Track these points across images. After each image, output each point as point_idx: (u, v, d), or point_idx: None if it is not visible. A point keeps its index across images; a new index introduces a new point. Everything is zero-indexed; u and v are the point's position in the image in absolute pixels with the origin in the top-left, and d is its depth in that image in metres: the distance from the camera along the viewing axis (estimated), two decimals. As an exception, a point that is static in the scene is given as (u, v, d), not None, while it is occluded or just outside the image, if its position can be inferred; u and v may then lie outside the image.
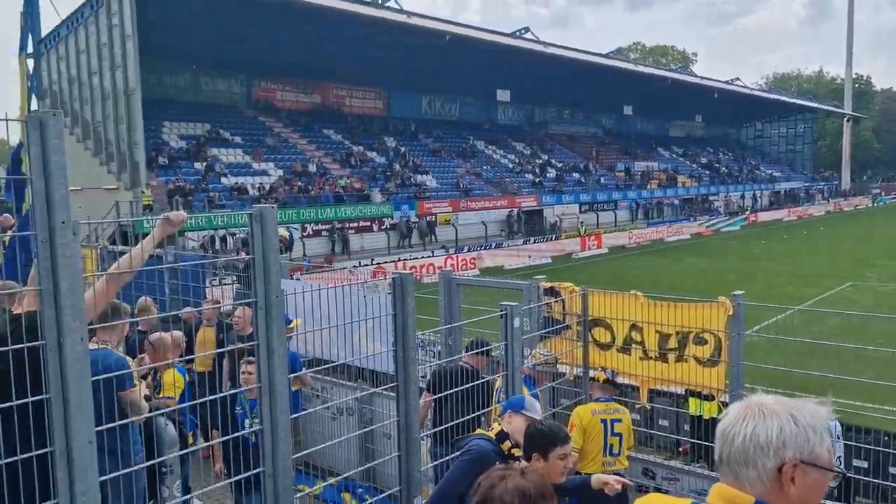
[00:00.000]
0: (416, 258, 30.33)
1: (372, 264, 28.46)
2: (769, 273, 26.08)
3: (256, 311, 3.37)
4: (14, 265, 6.89)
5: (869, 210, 65.35)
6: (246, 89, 39.47)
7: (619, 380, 5.66)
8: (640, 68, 55.21)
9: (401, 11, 36.78)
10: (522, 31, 45.33)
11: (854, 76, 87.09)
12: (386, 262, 28.65)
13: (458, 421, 4.50)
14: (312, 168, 35.56)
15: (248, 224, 3.34)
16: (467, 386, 4.62)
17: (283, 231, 10.58)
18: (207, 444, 4.38)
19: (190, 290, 8.53)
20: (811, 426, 1.57)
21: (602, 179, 50.27)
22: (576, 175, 49.19)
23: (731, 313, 5.16)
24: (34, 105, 33.59)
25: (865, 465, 6.44)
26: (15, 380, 2.55)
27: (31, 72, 32.73)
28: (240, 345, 6.38)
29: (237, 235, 27.39)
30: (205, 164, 31.90)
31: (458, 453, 3.64)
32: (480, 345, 5.74)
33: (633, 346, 5.68)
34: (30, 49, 33.06)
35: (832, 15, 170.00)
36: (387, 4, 36.72)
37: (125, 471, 3.01)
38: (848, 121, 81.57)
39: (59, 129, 2.56)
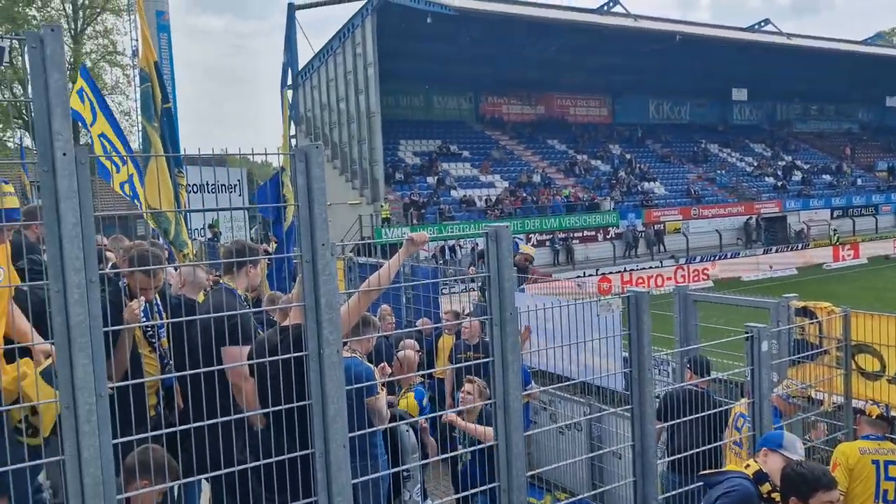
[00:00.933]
0: (644, 269, 29.28)
1: (597, 274, 27.99)
2: None
3: (491, 326, 3.44)
4: (278, 277, 7.77)
5: None
6: (474, 105, 40.98)
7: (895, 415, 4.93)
8: (908, 53, 48.29)
9: (627, 16, 35.91)
10: (761, 24, 41.95)
11: None
12: (611, 273, 28.00)
13: (696, 450, 4.22)
14: (537, 178, 35.91)
15: (482, 238, 3.43)
16: (703, 414, 4.32)
17: (528, 249, 10.72)
18: (438, 457, 4.54)
19: (422, 300, 9.00)
20: None
21: (859, 181, 44.71)
22: (826, 177, 44.30)
23: None
24: (292, 131, 37.87)
25: None
26: (283, 386, 2.85)
27: (290, 102, 36.84)
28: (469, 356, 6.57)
29: (466, 246, 28.43)
30: (436, 178, 33.64)
31: (719, 493, 3.35)
32: (704, 365, 5.32)
33: (910, 376, 4.93)
34: (289, 82, 37.48)
35: None
36: (612, 10, 36.05)
37: (374, 475, 3.22)
38: None
39: (320, 160, 2.83)
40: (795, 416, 5.18)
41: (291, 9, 35.86)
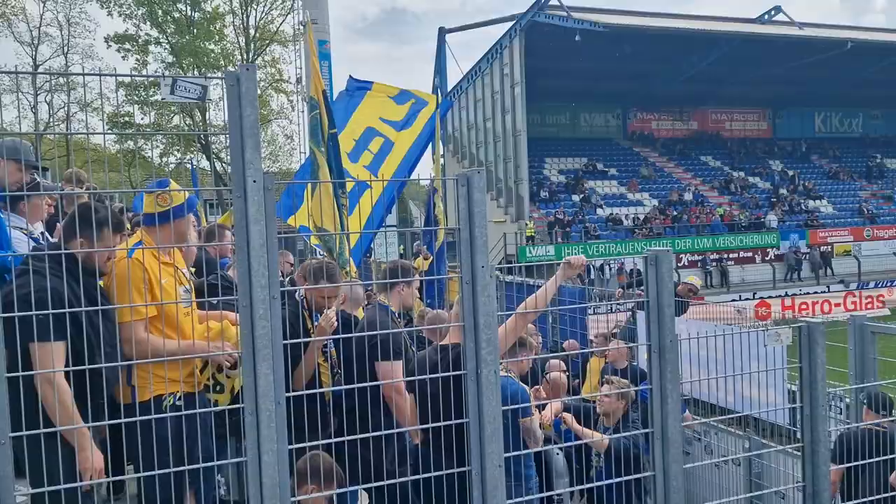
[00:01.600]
0: (808, 293, 27.21)
1: (753, 298, 26.34)
2: None
3: (650, 353, 3.36)
4: (429, 294, 7.99)
5: None
6: (621, 121, 40.11)
7: None
8: None
9: (791, 24, 33.79)
10: (950, 26, 37.89)
11: None
12: (770, 298, 26.25)
13: (877, 497, 3.86)
14: (688, 196, 34.48)
15: (642, 264, 3.37)
16: (887, 458, 3.94)
17: (693, 279, 10.32)
18: (584, 485, 4.43)
19: (568, 320, 8.87)
20: None
21: None
22: None
23: None
24: (440, 150, 38.86)
25: None
26: (442, 404, 2.94)
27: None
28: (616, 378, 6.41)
29: (614, 266, 27.76)
30: (582, 196, 33.19)
31: None
32: (885, 402, 4.82)
33: None
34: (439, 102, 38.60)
35: None
36: (774, 19, 34.07)
37: (527, 497, 3.23)
38: None
39: (482, 184, 2.91)
40: None
41: (442, 32, 36.96)
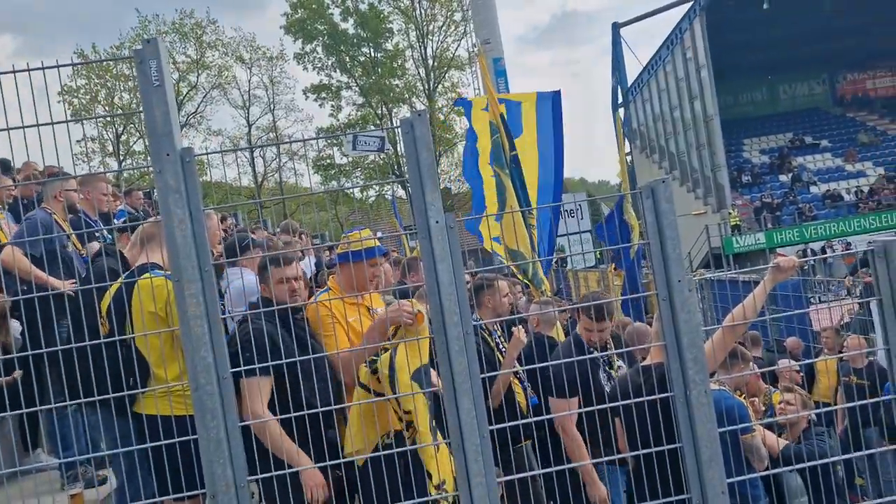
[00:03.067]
0: None
1: None
2: None
3: (889, 358, 2.95)
4: (629, 307, 7.72)
5: None
6: (829, 87, 36.31)
7: None
8: None
9: None
10: None
11: None
12: None
13: None
14: (922, 159, 30.33)
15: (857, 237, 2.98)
16: None
17: None
18: None
19: (788, 316, 8.08)
20: None
21: None
22: None
23: None
24: (627, 148, 37.76)
25: None
26: (651, 428, 2.79)
27: (623, 119, 36.90)
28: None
29: (837, 247, 25.07)
30: (790, 175, 30.43)
31: None
32: None
33: None
34: (620, 100, 37.54)
35: None
36: None
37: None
38: None
39: (668, 194, 2.75)
40: None
41: (615, 27, 35.97)
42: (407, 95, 37.18)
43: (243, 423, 2.64)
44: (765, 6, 26.74)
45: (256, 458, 2.64)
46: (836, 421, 6.39)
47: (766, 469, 3.50)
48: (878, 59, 34.90)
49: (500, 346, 4.37)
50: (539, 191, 7.74)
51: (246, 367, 2.77)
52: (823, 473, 3.56)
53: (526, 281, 5.67)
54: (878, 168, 30.17)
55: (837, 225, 26.21)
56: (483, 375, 2.73)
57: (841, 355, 6.35)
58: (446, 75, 37.78)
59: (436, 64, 37.27)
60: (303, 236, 7.47)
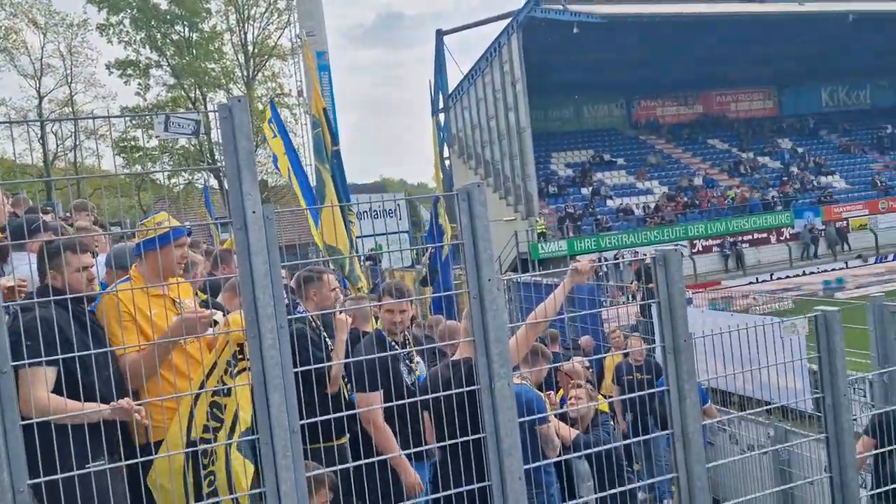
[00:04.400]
0: (824, 271, 26.93)
1: (771, 280, 26.14)
2: None
3: (665, 354, 3.32)
4: (441, 305, 7.98)
5: None
6: (626, 111, 39.94)
7: None
8: None
9: (790, 0, 33.47)
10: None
11: None
12: (788, 278, 26.04)
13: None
14: (698, 181, 34.26)
15: (650, 260, 3.33)
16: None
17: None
18: (616, 490, 4.39)
19: (586, 316, 8.81)
20: None
21: None
22: None
23: None
24: (445, 153, 38.85)
25: None
26: (458, 419, 2.92)
27: (442, 125, 37.86)
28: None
29: (627, 257, 27.62)
30: (591, 188, 33.06)
31: None
32: None
33: None
34: (441, 106, 38.59)
35: None
36: (772, -4, 33.79)
37: (550, 508, 3.20)
38: None
39: (483, 198, 2.89)
40: None
41: (439, 34, 36.94)
42: (224, 81, 35.50)
43: (25, 422, 2.39)
44: (575, 30, 28.85)
45: (40, 460, 2.41)
46: (616, 413, 7.04)
47: (559, 456, 3.79)
48: (667, 89, 39.00)
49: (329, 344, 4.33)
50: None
51: (30, 360, 2.52)
52: (607, 459, 3.94)
53: (343, 277, 5.68)
54: (663, 187, 33.70)
55: (629, 236, 28.93)
56: (297, 370, 2.70)
57: (625, 351, 7.02)
58: (267, 64, 36.60)
59: (256, 51, 35.97)
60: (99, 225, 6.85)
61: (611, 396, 7.13)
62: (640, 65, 34.70)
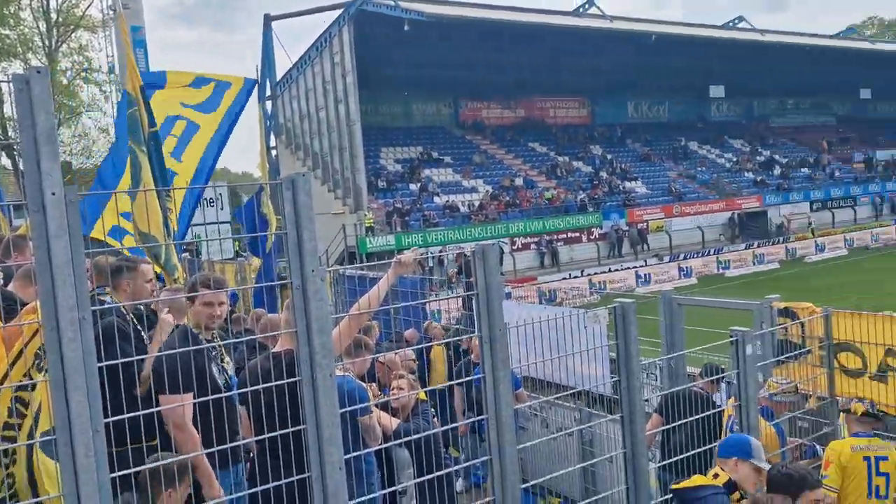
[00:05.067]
0: (627, 268, 29.47)
1: (582, 276, 28.17)
2: None
3: (481, 343, 3.49)
4: (262, 298, 7.77)
5: None
6: (454, 110, 41.10)
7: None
8: (879, 45, 49.15)
9: (603, 17, 36.21)
10: (735, 22, 42.48)
11: None
12: (597, 274, 28.19)
13: (691, 453, 4.29)
14: (519, 182, 36.08)
15: (469, 255, 3.49)
16: (702, 415, 4.40)
17: None
18: (434, 474, 4.55)
19: (409, 311, 9.00)
20: None
21: (836, 173, 45.31)
22: (804, 170, 44.86)
23: None
24: (272, 142, 37.71)
25: None
26: (278, 412, 2.88)
27: (269, 113, 36.64)
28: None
29: (451, 253, 28.49)
30: (419, 184, 33.68)
31: None
32: (715, 371, 5.43)
33: (891, 373, 5.03)
34: (268, 93, 37.38)
35: None
36: (588, 11, 36.35)
37: (370, 496, 3.25)
38: None
39: (308, 187, 2.86)
40: (784, 414, 5.28)
41: (268, 19, 35.80)
42: (21, 50, 31.91)
43: None
44: (405, 28, 29.21)
45: None
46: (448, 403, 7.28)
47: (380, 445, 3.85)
48: (493, 92, 40.70)
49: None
50: (196, 174, 7.36)
51: None
52: (426, 447, 4.06)
53: (157, 267, 5.33)
54: (487, 186, 35.13)
55: (454, 232, 29.83)
56: (102, 364, 2.53)
57: (447, 340, 7.26)
58: (73, 35, 33.38)
59: (60, 20, 32.71)
60: None
61: (442, 390, 7.35)
62: (468, 67, 35.91)
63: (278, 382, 2.89)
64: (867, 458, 4.55)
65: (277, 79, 37.10)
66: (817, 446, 5.27)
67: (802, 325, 5.43)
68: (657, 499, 4.59)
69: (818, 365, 5.39)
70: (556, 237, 32.32)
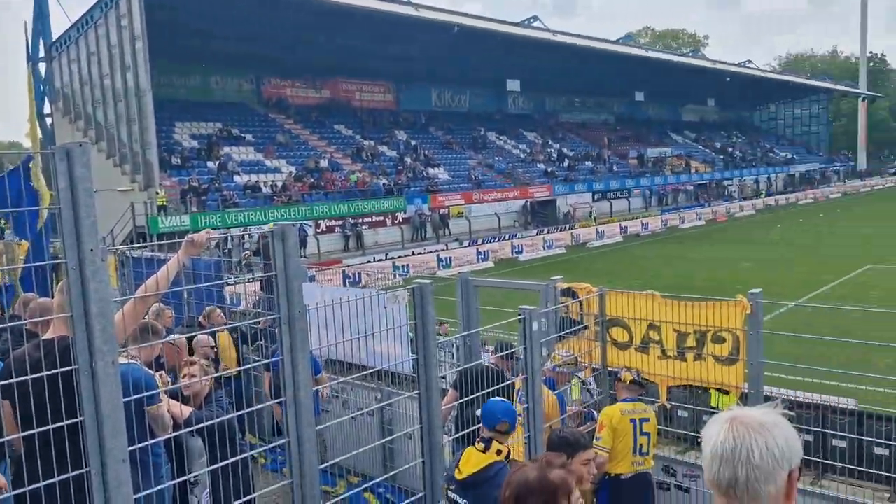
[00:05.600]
0: (430, 251, 30.39)
1: (387, 259, 28.59)
2: (786, 259, 25.93)
3: (280, 326, 3.43)
4: (31, 282, 6.99)
5: (890, 191, 64.38)
6: (256, 87, 39.59)
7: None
8: (651, 53, 54.85)
9: (409, 4, 36.72)
10: (531, 20, 45.16)
11: (868, 55, 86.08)
12: (401, 257, 28.75)
13: (480, 425, 4.54)
14: (324, 163, 35.68)
15: (268, 239, 3.40)
16: (494, 388, 4.67)
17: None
18: (228, 460, 4.40)
19: (204, 294, 8.58)
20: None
21: (615, 167, 50.05)
22: (588, 163, 49.01)
23: (748, 312, 5.16)
24: (47, 109, 33.86)
25: (887, 453, 6.44)
26: (50, 404, 2.62)
27: (42, 77, 32.85)
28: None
29: (254, 234, 27.49)
30: (217, 162, 32.07)
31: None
32: (506, 347, 5.80)
33: (652, 345, 5.69)
34: (41, 54, 33.45)
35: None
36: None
37: (157, 487, 3.08)
38: (863, 100, 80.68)
39: (86, 159, 2.62)
40: (566, 384, 5.78)
41: (40, -30, 32.00)
42: None
43: None
44: (204, -5, 27.54)
45: None
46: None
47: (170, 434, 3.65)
48: (298, 71, 39.74)
49: None
50: None
51: None
52: (220, 434, 3.92)
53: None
54: (291, 167, 34.32)
55: (256, 213, 28.81)
56: None
57: (236, 324, 7.02)
58: None
59: None
60: None
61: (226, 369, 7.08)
62: (272, 43, 34.71)
63: (50, 372, 2.63)
64: (633, 420, 5.17)
65: (53, 38, 33.34)
66: (594, 412, 5.83)
67: (581, 303, 5.97)
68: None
69: (594, 339, 5.96)
70: (361, 220, 32.45)
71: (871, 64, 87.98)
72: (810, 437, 6.32)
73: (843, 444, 6.70)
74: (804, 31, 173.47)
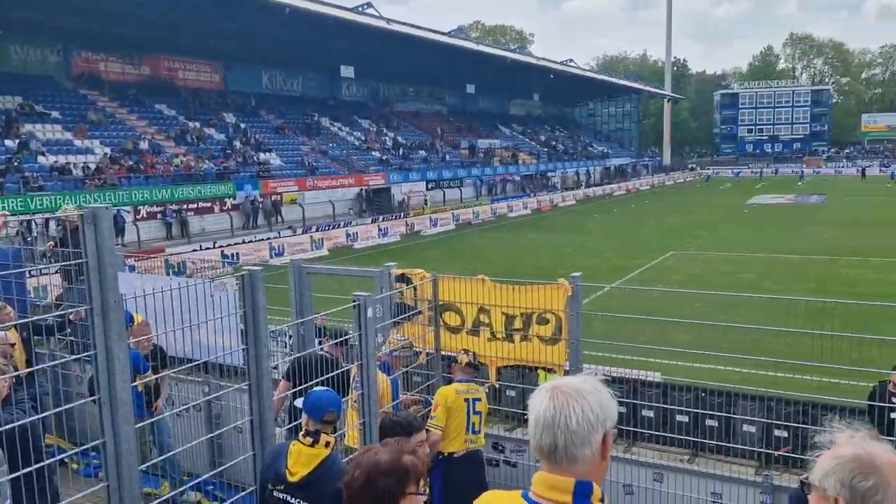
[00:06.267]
0: (262, 239, 29.43)
1: (214, 247, 27.29)
2: (602, 246, 27.95)
3: (92, 317, 3.16)
4: None
5: (690, 184, 71.40)
6: (64, 60, 36.05)
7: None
8: (481, 47, 56.60)
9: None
10: (364, 7, 44.86)
11: (673, 60, 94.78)
12: (230, 245, 27.58)
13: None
14: (144, 145, 33.30)
15: (76, 221, 3.11)
16: (327, 376, 4.60)
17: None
18: (31, 468, 3.99)
19: (3, 287, 7.73)
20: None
21: (447, 157, 51.25)
22: (422, 153, 49.78)
23: (569, 294, 5.50)
24: None
25: (686, 419, 7.17)
26: None
27: None
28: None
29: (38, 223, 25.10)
30: (18, 141, 28.89)
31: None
32: (340, 335, 5.74)
33: (482, 327, 5.90)
34: None
35: (653, 2, 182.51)
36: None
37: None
38: (668, 101, 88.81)
39: None
40: (401, 369, 5.84)
41: None
42: None
43: None
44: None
45: None
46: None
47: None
48: (113, 44, 36.66)
49: None
50: None
51: None
52: (22, 440, 3.54)
53: None
54: (106, 148, 31.67)
55: (65, 198, 26.29)
56: None
57: (26, 320, 6.40)
58: None
59: None
60: None
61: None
62: (81, 12, 31.70)
63: None
64: (467, 400, 5.35)
65: None
66: (428, 397, 5.95)
67: (415, 288, 6.06)
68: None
69: (427, 324, 6.08)
70: (186, 207, 30.71)
71: (675, 68, 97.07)
72: (623, 409, 6.89)
73: (651, 413, 7.36)
74: (620, 35, 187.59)
